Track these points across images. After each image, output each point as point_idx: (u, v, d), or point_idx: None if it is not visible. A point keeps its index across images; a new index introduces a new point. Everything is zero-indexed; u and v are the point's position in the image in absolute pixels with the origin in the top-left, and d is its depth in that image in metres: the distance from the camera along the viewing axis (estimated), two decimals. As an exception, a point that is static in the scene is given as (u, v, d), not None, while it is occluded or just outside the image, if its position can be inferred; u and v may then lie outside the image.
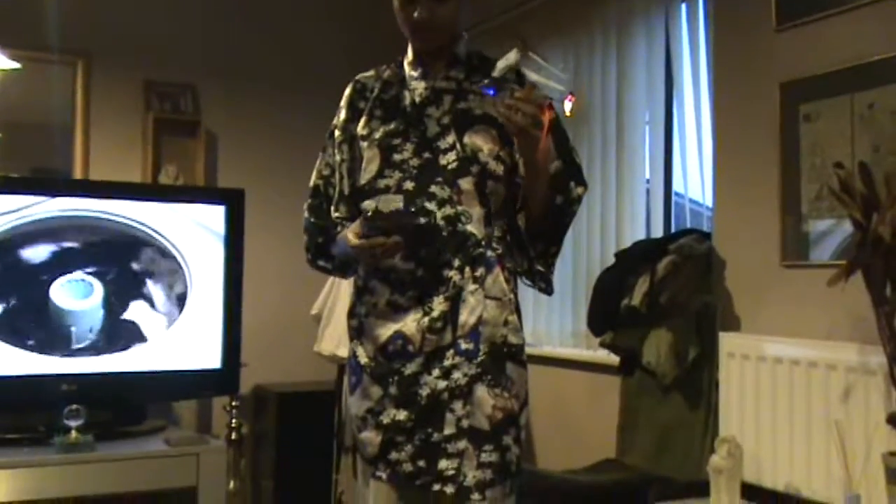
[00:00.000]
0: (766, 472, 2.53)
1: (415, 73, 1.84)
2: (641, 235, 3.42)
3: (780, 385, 2.51)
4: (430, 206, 1.74)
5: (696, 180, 3.36)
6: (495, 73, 1.74)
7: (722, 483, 2.45)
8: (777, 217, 2.71)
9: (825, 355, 2.38)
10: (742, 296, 2.84)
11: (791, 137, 2.67)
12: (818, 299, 2.51)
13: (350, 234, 1.72)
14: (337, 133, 1.91)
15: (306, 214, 1.94)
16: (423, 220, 1.73)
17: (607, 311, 3.08)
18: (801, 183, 2.64)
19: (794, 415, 2.46)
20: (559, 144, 1.79)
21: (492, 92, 1.69)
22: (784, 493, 2.47)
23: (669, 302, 2.87)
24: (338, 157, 1.88)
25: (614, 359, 3.20)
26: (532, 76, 1.77)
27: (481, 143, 1.75)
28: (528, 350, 1.85)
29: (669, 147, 3.43)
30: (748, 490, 2.50)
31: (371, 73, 1.94)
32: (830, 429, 2.29)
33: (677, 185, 3.47)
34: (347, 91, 1.94)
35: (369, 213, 1.73)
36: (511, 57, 1.75)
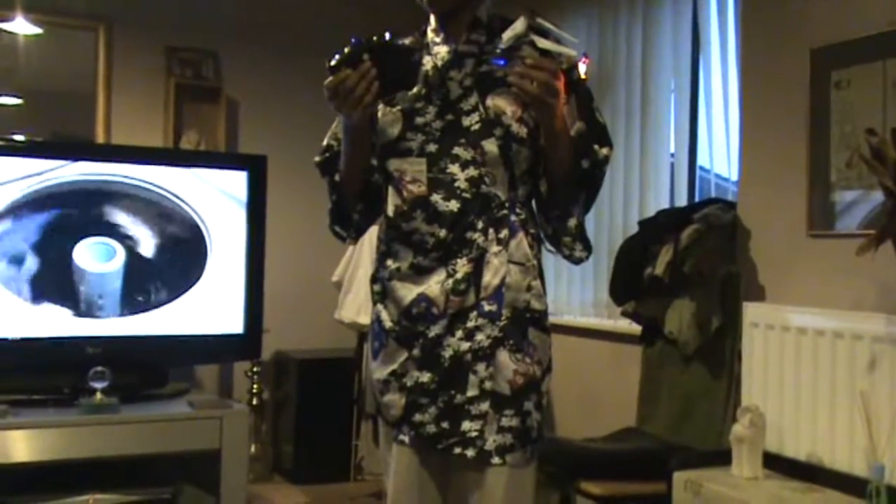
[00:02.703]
0: (789, 442, 2.52)
1: (437, 39, 1.82)
2: (665, 206, 3.39)
3: (804, 355, 2.49)
4: (453, 167, 1.72)
5: (721, 154, 3.32)
6: (503, 44, 1.72)
7: (744, 452, 2.44)
8: (804, 186, 2.67)
9: (851, 326, 2.36)
10: (767, 265, 2.81)
11: (821, 105, 2.62)
12: (845, 269, 2.48)
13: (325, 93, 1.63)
14: None
15: (319, 172, 1.90)
16: (385, 38, 1.65)
17: (630, 280, 3.07)
18: (830, 151, 2.60)
19: (817, 385, 2.44)
20: (582, 105, 1.76)
21: (502, 62, 1.67)
22: (806, 462, 2.46)
23: (693, 271, 2.85)
24: None
25: (636, 328, 3.19)
26: (542, 43, 1.73)
27: (504, 106, 1.73)
28: (549, 319, 1.83)
29: (695, 119, 3.39)
30: (770, 459, 2.49)
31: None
32: (855, 399, 2.27)
33: (702, 161, 3.42)
34: None
35: (331, 63, 1.60)
36: (518, 26, 1.73)
